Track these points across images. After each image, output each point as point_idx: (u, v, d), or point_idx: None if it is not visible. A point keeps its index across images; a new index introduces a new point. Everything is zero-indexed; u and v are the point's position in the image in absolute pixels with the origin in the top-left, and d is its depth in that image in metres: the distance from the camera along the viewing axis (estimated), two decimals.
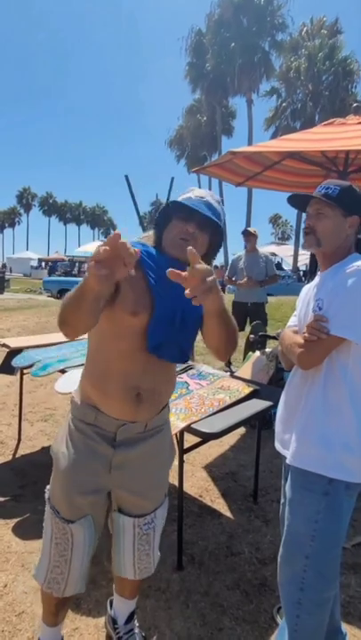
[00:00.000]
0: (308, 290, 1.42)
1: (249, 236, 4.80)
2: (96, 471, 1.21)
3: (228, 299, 5.10)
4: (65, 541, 1.24)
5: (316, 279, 1.39)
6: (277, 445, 1.40)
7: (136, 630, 1.50)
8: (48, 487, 1.31)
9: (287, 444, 1.32)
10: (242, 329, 5.02)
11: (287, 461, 1.30)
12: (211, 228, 1.17)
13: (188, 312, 1.15)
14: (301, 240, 1.41)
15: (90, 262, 0.84)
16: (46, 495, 1.30)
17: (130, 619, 1.49)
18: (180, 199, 1.19)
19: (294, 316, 1.48)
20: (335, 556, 1.24)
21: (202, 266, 0.89)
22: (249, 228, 4.91)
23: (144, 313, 1.13)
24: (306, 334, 1.24)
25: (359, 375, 1.22)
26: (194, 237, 1.14)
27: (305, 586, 1.23)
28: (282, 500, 1.44)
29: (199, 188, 1.25)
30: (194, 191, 1.21)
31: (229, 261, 5.43)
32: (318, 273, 1.41)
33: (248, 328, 4.96)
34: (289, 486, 1.31)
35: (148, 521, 1.31)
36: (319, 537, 1.20)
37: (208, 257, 1.22)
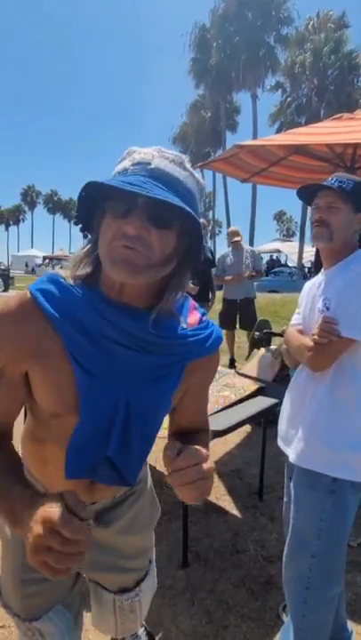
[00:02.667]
0: (312, 287, 1.38)
1: (233, 235, 4.91)
2: None
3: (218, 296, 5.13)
4: None
5: (320, 276, 1.36)
6: (280, 443, 1.39)
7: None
8: None
9: (291, 442, 1.31)
10: (233, 327, 5.02)
11: (292, 461, 1.28)
12: (178, 219, 0.64)
13: (136, 408, 0.73)
14: (308, 236, 1.39)
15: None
16: None
17: None
18: (112, 174, 0.67)
19: (297, 313, 1.45)
20: (340, 554, 1.23)
21: (192, 451, 0.59)
22: (233, 227, 5.06)
23: (67, 415, 0.72)
24: (315, 336, 1.19)
25: None
26: (143, 241, 0.62)
27: (311, 585, 1.22)
28: (285, 499, 1.43)
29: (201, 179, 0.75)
30: (133, 155, 0.67)
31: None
32: (322, 270, 1.37)
33: (238, 325, 5.01)
34: (294, 485, 1.30)
35: (131, 596, 1.06)
36: (325, 535, 1.20)
37: (183, 267, 0.70)
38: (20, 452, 0.83)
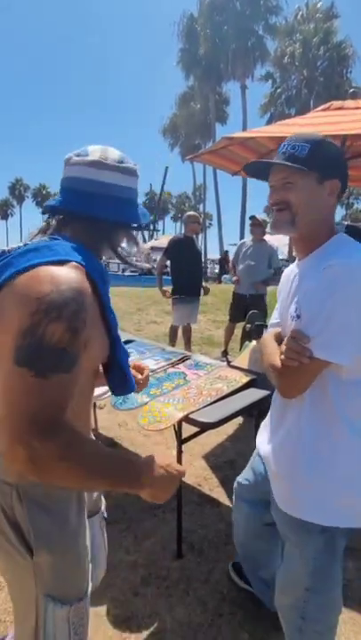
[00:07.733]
0: (288, 279, 1.16)
1: (257, 226, 4.72)
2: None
3: (221, 289, 5.12)
4: (83, 624, 0.96)
5: (295, 269, 1.13)
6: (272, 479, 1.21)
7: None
8: (48, 594, 0.89)
9: (273, 477, 1.18)
10: (239, 320, 5.05)
11: (279, 505, 1.13)
12: None
13: None
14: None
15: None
16: (54, 606, 0.89)
17: None
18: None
19: (276, 309, 1.24)
20: (336, 586, 1.14)
21: None
22: (258, 217, 4.77)
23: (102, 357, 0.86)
24: (283, 356, 0.97)
25: (355, 391, 0.99)
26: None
27: (306, 615, 1.14)
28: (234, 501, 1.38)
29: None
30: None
31: (225, 250, 5.52)
32: (296, 261, 1.15)
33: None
34: (280, 524, 1.17)
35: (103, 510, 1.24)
36: (319, 572, 1.11)
37: None
38: None
